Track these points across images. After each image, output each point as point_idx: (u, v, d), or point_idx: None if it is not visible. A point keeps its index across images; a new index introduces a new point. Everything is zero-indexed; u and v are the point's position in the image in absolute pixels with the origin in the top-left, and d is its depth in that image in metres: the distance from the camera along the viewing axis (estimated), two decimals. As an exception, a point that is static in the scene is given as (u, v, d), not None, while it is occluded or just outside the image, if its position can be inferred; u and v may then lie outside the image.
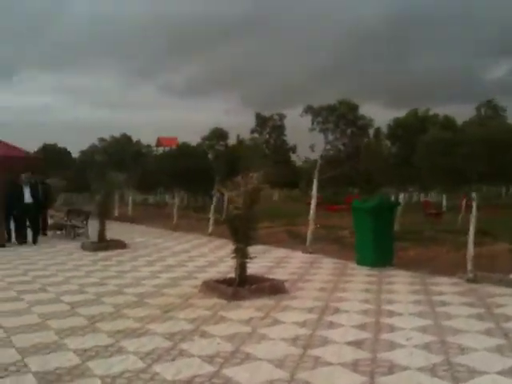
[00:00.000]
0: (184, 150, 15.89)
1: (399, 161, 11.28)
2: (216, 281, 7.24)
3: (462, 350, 4.62)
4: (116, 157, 21.45)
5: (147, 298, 6.85)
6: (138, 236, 14.76)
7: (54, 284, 7.94)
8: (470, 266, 7.71)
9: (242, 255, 7.09)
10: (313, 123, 11.01)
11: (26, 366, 4.40)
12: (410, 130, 11.23)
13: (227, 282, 7.12)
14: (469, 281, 7.54)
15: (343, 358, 4.46)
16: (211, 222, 14.74)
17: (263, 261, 9.88)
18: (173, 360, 4.48)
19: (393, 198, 13.12)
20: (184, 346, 4.86)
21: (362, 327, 5.37)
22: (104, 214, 12.45)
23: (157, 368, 4.28)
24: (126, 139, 22.79)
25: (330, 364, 4.32)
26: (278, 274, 8.34)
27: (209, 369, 4.25)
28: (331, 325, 5.48)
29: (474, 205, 8.10)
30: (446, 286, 7.35)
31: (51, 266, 9.77)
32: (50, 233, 15.56)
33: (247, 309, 6.17)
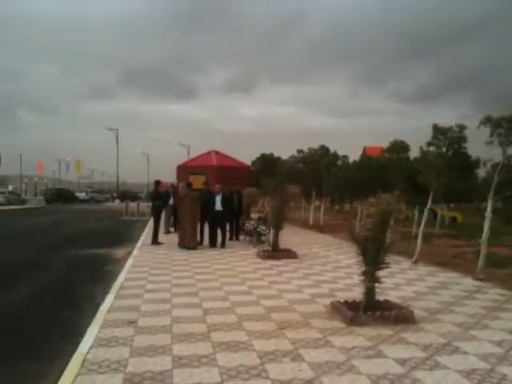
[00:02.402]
0: (366, 162, 15.67)
1: None
2: (344, 302, 7.08)
3: None
4: (312, 166, 22.20)
5: (274, 312, 7.04)
6: (316, 247, 15.07)
7: (208, 289, 8.63)
8: None
9: (370, 279, 6.83)
10: (491, 135, 9.89)
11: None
12: None
13: (354, 305, 6.91)
14: None
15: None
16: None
17: (421, 285, 9.29)
18: (246, 380, 4.61)
19: None
20: (268, 367, 4.92)
21: (467, 374, 4.74)
22: (278, 224, 13.03)
23: (226, 386, 4.49)
24: (323, 150, 23.37)
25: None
26: (425, 302, 7.78)
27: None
28: (434, 366, 4.95)
29: None
30: None
31: (220, 270, 10.64)
32: (242, 238, 16.92)
33: (358, 336, 5.93)
